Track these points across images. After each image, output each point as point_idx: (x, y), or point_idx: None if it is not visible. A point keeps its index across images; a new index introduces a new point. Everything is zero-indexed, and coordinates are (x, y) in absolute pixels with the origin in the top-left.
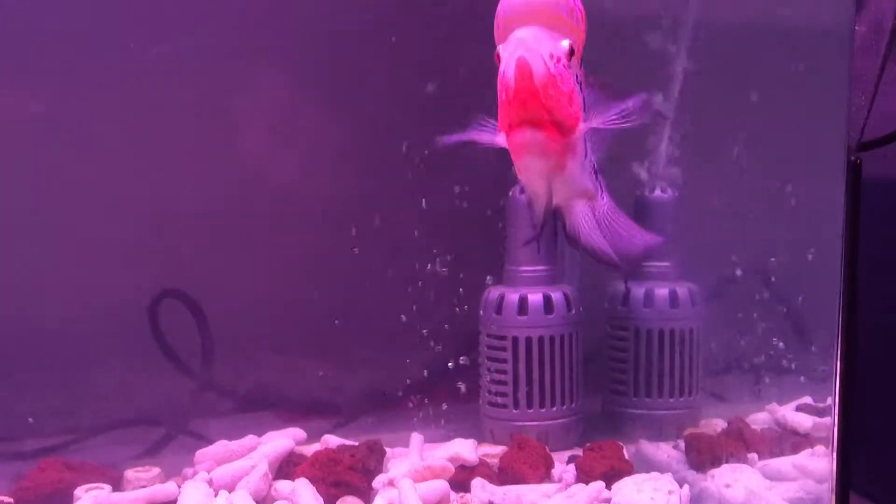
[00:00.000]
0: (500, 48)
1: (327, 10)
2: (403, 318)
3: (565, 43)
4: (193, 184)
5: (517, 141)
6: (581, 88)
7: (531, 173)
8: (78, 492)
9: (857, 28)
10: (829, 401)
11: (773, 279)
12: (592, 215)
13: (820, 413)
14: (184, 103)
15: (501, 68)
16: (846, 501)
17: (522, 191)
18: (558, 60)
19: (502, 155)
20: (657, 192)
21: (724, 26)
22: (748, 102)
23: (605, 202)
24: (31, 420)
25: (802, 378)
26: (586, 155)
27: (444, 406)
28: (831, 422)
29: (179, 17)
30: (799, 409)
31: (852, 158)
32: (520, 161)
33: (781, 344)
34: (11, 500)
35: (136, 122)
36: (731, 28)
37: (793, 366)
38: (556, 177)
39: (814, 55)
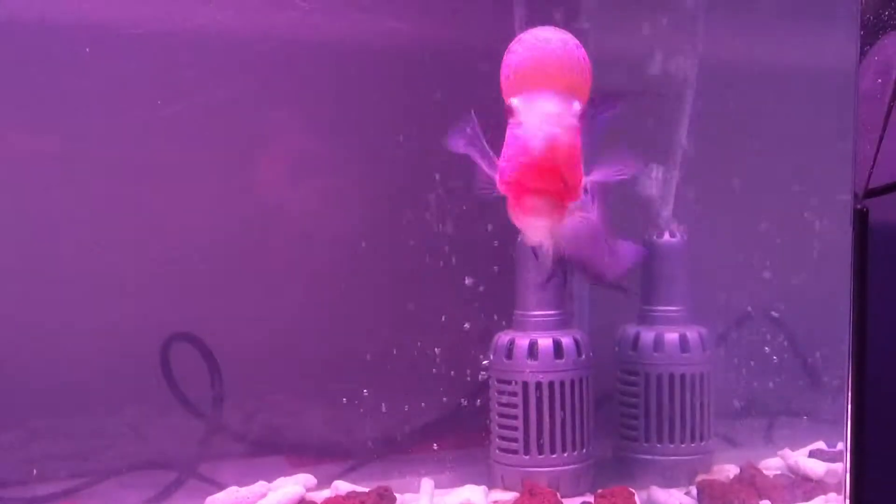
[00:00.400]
0: (517, 103)
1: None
2: (415, 361)
3: (577, 105)
4: (205, 226)
5: (528, 205)
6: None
7: (535, 230)
8: None
9: (862, 74)
10: (840, 445)
11: (783, 323)
12: (581, 229)
13: (833, 459)
14: (197, 145)
15: (522, 134)
16: None
17: None
18: (570, 127)
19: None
20: (666, 237)
21: (734, 71)
22: (757, 145)
23: (594, 215)
24: (35, 471)
25: (814, 422)
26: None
27: (454, 451)
28: (843, 468)
29: (194, 63)
30: (812, 454)
31: (858, 207)
32: (524, 220)
33: (793, 388)
34: None
35: (149, 162)
36: (745, 75)
37: (805, 410)
38: (557, 224)
39: (820, 101)
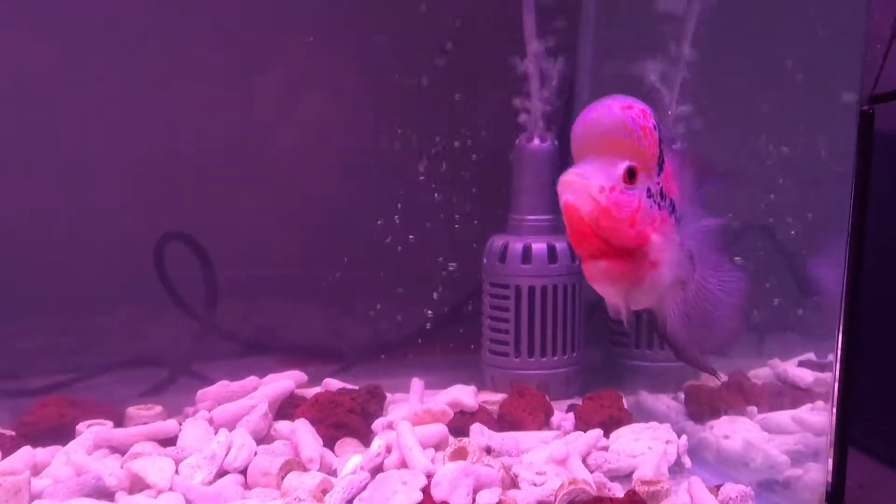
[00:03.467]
0: None
1: None
2: (407, 264)
3: (623, 167)
4: (201, 128)
5: (586, 271)
6: (661, 196)
7: (605, 294)
8: (80, 427)
9: None
10: (830, 357)
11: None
12: (682, 304)
13: (821, 368)
14: (193, 48)
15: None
16: (844, 455)
17: (529, 140)
18: (612, 189)
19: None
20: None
21: None
22: (759, 53)
23: (694, 281)
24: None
25: (806, 335)
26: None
27: (445, 353)
28: (832, 377)
29: None
30: (801, 364)
31: (864, 108)
32: (594, 285)
33: (785, 301)
34: (14, 433)
35: (146, 66)
36: None
37: (798, 323)
38: (634, 290)
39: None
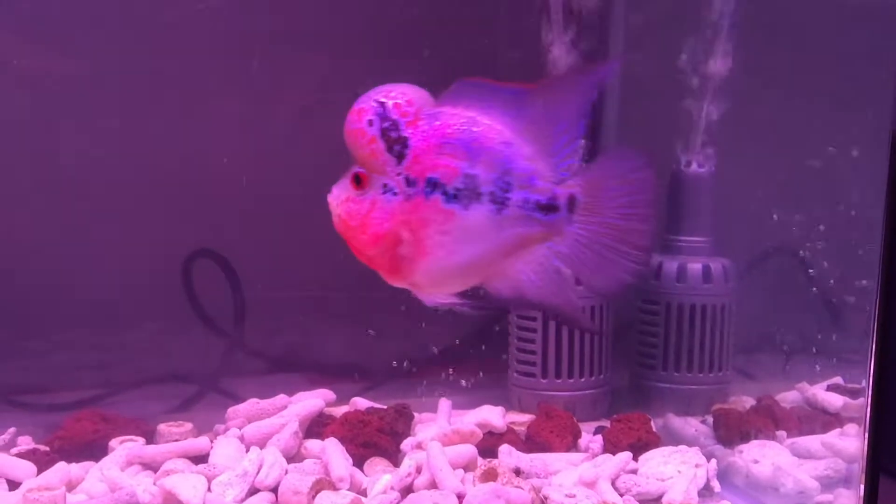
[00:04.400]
0: None
1: None
2: None
3: (350, 174)
4: (229, 145)
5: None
6: (409, 183)
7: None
8: (112, 443)
9: None
10: (863, 382)
11: (808, 258)
12: (562, 256)
13: (850, 393)
14: (225, 66)
15: None
16: (876, 481)
17: None
18: (346, 200)
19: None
20: (694, 167)
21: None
22: (792, 75)
23: (576, 226)
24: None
25: (834, 359)
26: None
27: (472, 374)
28: (864, 402)
29: None
30: (829, 389)
31: None
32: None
33: (814, 324)
34: (48, 448)
35: (175, 82)
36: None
37: (825, 347)
38: (427, 281)
39: (864, 28)
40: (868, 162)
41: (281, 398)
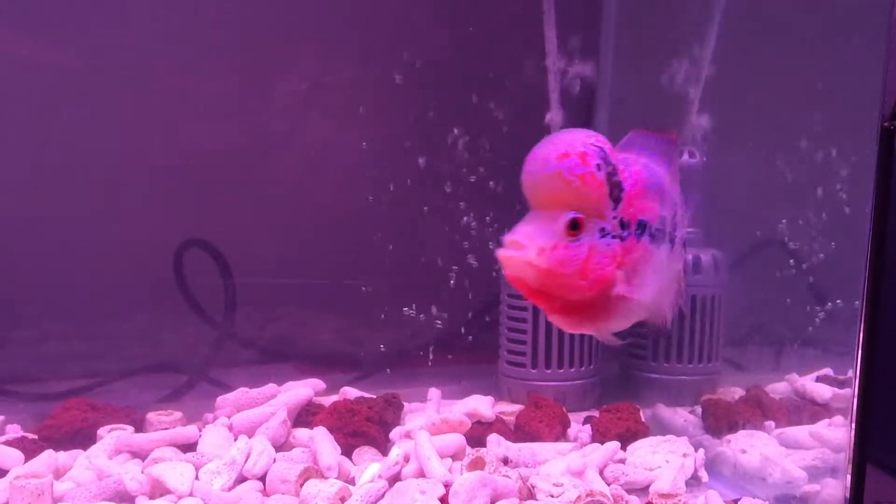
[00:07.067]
0: None
1: None
2: (425, 276)
3: (563, 221)
4: (220, 136)
5: (556, 323)
6: (623, 226)
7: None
8: (101, 431)
9: None
10: (850, 373)
11: (797, 249)
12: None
13: (840, 384)
14: (216, 53)
15: None
16: (863, 471)
17: None
18: (554, 248)
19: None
20: (685, 157)
21: None
22: (781, 69)
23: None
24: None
25: (822, 350)
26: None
27: (462, 363)
28: (851, 393)
29: None
30: (819, 380)
31: (885, 125)
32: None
33: (803, 315)
34: (36, 437)
35: (167, 71)
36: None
37: (814, 338)
38: (610, 323)
39: (851, 23)
40: (857, 154)
41: (270, 387)
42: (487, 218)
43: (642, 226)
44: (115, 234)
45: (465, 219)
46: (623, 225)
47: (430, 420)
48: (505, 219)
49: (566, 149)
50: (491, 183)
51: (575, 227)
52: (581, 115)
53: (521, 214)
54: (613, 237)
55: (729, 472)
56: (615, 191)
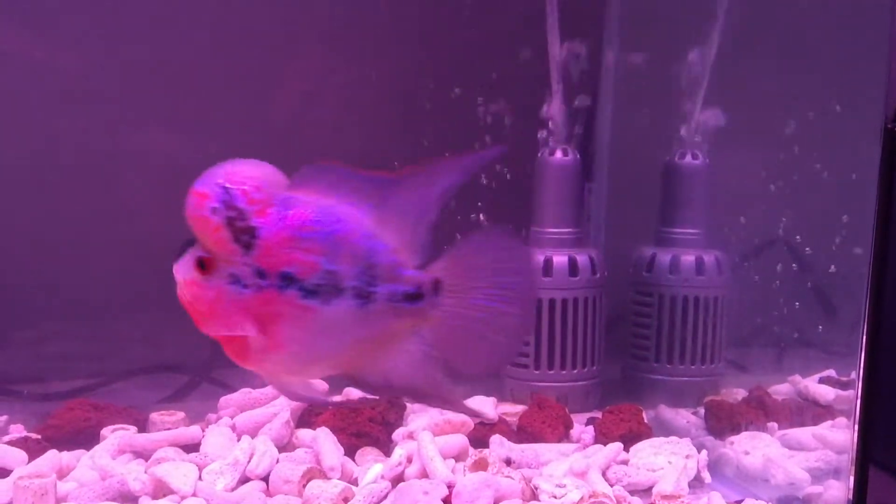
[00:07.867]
0: None
1: None
2: None
3: (192, 258)
4: (219, 136)
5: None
6: (260, 275)
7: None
8: (104, 431)
9: None
10: (853, 374)
11: (801, 250)
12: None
13: (843, 386)
14: (219, 52)
15: None
16: (866, 473)
17: (551, 153)
18: (190, 284)
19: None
20: (687, 158)
21: None
22: (784, 70)
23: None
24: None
25: (825, 352)
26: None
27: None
28: (854, 394)
29: None
30: (822, 381)
31: (889, 126)
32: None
33: (806, 317)
34: (39, 437)
35: (171, 69)
36: None
37: (817, 339)
38: (284, 368)
39: (855, 25)
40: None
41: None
42: (488, 218)
43: (287, 278)
44: (119, 233)
45: (466, 221)
46: (260, 274)
47: (433, 421)
48: (505, 219)
49: (198, 186)
50: (491, 186)
51: (203, 266)
52: (581, 114)
53: (521, 214)
54: (245, 286)
55: (732, 474)
56: (242, 237)
